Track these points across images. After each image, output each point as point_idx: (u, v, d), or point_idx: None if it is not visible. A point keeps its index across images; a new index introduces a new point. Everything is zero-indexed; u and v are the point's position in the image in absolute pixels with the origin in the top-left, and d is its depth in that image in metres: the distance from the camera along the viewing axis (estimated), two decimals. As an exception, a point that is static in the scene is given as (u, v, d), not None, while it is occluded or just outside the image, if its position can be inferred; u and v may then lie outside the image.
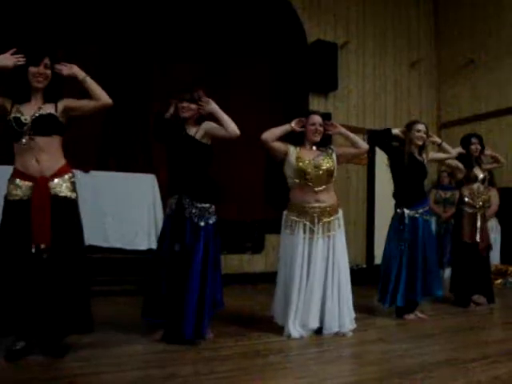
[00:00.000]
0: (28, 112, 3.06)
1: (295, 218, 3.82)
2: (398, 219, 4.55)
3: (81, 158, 5.91)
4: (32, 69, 3.06)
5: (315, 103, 7.87)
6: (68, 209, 3.13)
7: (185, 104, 3.58)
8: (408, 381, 2.78)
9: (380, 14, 8.73)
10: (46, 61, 3.10)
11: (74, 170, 3.31)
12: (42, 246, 2.97)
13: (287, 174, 3.92)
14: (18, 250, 2.97)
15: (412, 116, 8.57)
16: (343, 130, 4.05)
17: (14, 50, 3.04)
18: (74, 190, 3.17)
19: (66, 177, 3.15)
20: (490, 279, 5.50)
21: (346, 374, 2.99)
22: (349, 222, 7.78)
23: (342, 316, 3.80)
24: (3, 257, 2.98)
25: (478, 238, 5.25)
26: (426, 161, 4.66)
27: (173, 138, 3.62)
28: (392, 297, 4.47)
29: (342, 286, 3.84)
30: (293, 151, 3.88)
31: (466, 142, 5.39)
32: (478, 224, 5.28)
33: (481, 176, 5.36)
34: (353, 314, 3.91)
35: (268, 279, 3.99)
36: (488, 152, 5.52)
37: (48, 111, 3.10)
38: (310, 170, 3.80)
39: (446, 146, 4.88)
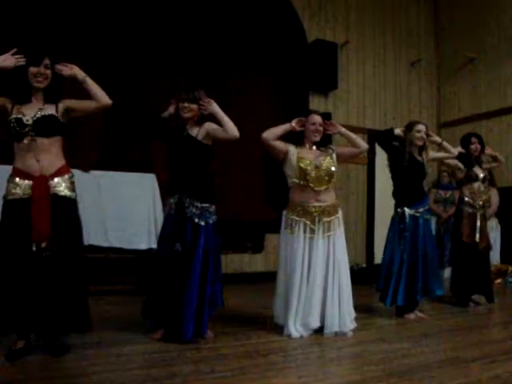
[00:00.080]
0: (29, 113, 3.06)
1: (295, 217, 3.82)
2: (398, 218, 4.55)
3: (81, 157, 5.92)
4: (32, 69, 3.06)
5: (315, 102, 7.88)
6: (67, 208, 3.13)
7: (186, 104, 3.58)
8: (408, 380, 2.78)
9: (380, 14, 8.72)
10: (46, 61, 3.10)
11: (74, 170, 3.32)
12: (43, 244, 2.98)
13: (287, 173, 3.92)
14: (18, 248, 2.97)
15: (412, 115, 8.59)
16: (343, 129, 4.05)
17: (15, 50, 3.04)
18: (73, 189, 3.18)
19: (66, 176, 3.15)
20: (489, 279, 5.50)
21: (346, 374, 2.99)
22: (349, 222, 7.79)
23: (343, 315, 3.80)
24: (3, 255, 2.98)
25: (477, 239, 5.25)
26: (425, 161, 4.67)
27: (173, 138, 3.62)
28: (393, 296, 4.47)
29: (343, 285, 3.84)
30: (293, 151, 3.88)
31: (465, 141, 5.39)
32: (478, 224, 5.28)
33: (481, 175, 5.36)
34: (353, 314, 3.91)
35: (268, 279, 3.99)
36: (488, 151, 5.52)
37: (49, 112, 3.10)
38: (311, 170, 3.80)
39: (446, 145, 4.88)
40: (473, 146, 5.32)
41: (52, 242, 3.01)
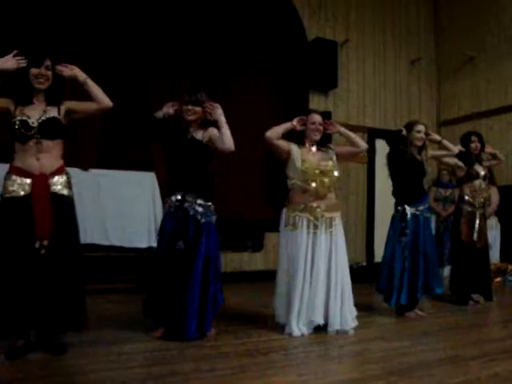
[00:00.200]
0: (33, 115, 3.08)
1: (298, 213, 3.81)
2: (399, 217, 4.55)
3: (81, 156, 5.94)
4: (33, 70, 3.07)
5: (315, 101, 7.88)
6: (66, 206, 3.15)
7: (190, 107, 3.60)
8: (408, 378, 2.79)
9: (380, 12, 8.72)
10: (47, 62, 3.12)
11: (74, 168, 3.33)
12: (45, 242, 2.98)
13: (289, 175, 3.91)
14: (17, 246, 2.97)
15: (412, 114, 8.59)
16: (342, 129, 4.07)
17: (16, 51, 3.05)
18: (71, 188, 3.20)
19: (64, 175, 3.17)
20: (488, 277, 5.50)
21: (346, 372, 3.00)
22: (349, 221, 7.81)
23: (345, 313, 3.81)
24: (3, 253, 2.98)
25: (475, 238, 5.25)
26: (425, 160, 4.67)
27: (176, 141, 3.63)
28: (397, 296, 4.47)
29: (344, 283, 3.85)
30: (296, 151, 3.88)
31: (465, 140, 5.39)
32: (477, 223, 5.28)
33: (482, 173, 5.36)
34: (354, 312, 3.91)
35: (268, 277, 3.99)
36: (487, 149, 5.53)
37: (52, 115, 3.12)
38: (315, 175, 3.81)
39: (446, 142, 4.88)
40: (473, 145, 5.32)
41: (51, 240, 3.02)
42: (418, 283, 4.50)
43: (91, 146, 6.56)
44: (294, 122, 3.91)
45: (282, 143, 3.89)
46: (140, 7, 6.84)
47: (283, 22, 7.79)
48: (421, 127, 4.62)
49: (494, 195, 6.26)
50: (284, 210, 3.91)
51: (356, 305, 3.96)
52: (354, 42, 8.40)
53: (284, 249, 3.87)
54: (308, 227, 3.80)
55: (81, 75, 3.22)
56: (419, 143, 4.61)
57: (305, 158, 3.86)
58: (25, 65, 3.04)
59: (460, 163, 5.29)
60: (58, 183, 3.11)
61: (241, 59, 7.50)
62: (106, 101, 3.27)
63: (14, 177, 3.06)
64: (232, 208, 6.72)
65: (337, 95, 8.16)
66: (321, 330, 3.77)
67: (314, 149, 3.95)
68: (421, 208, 4.60)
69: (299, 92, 7.85)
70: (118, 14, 6.72)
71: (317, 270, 3.75)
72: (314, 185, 3.81)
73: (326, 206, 3.85)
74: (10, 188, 3.05)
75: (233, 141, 3.57)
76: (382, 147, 6.85)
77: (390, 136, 4.86)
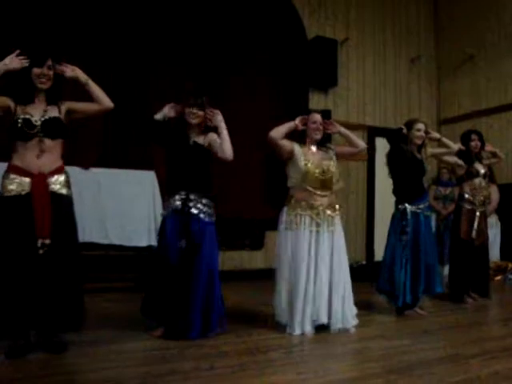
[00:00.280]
0: (35, 113, 3.09)
1: (300, 211, 3.81)
2: (399, 215, 4.55)
3: (81, 155, 5.93)
4: (36, 70, 3.09)
5: (315, 100, 7.87)
6: (64, 205, 3.16)
7: (194, 110, 3.62)
8: (408, 377, 2.79)
9: (380, 11, 8.71)
10: (49, 62, 3.13)
11: (74, 167, 3.33)
12: (47, 241, 2.98)
13: (291, 174, 3.90)
14: (17, 245, 2.97)
15: (412, 112, 8.59)
16: (342, 129, 4.07)
17: (18, 51, 3.06)
18: (70, 187, 3.21)
19: (63, 175, 3.18)
20: (487, 275, 5.48)
21: (346, 370, 3.00)
22: (349, 219, 7.81)
23: (346, 312, 3.81)
24: (6, 254, 2.98)
25: (473, 235, 5.25)
26: (424, 158, 4.67)
27: (177, 145, 3.65)
28: (403, 296, 4.45)
29: (345, 281, 3.86)
30: (298, 150, 3.88)
31: (465, 138, 5.39)
32: (476, 221, 5.27)
33: (482, 171, 5.36)
34: (354, 310, 3.91)
35: (268, 276, 3.98)
36: (487, 148, 5.52)
37: (54, 114, 3.14)
38: (317, 176, 3.81)
39: (445, 140, 4.88)
40: (473, 143, 5.32)
41: (51, 239, 3.02)
42: (420, 282, 4.50)
43: (92, 145, 6.55)
44: (297, 121, 3.91)
45: (285, 143, 3.89)
46: (140, 7, 6.83)
47: (283, 20, 7.77)
48: (420, 125, 4.62)
49: (494, 193, 6.26)
50: (285, 209, 3.90)
51: (356, 303, 3.95)
52: (354, 40, 8.39)
53: (284, 248, 3.83)
54: (310, 225, 3.79)
55: (82, 76, 3.25)
56: (419, 141, 4.61)
57: (307, 157, 3.86)
58: (27, 64, 3.05)
59: (460, 161, 5.29)
60: (56, 182, 3.12)
61: (241, 58, 7.48)
62: (106, 102, 3.30)
63: (12, 175, 3.06)
64: (232, 207, 6.71)
65: (337, 94, 8.15)
66: (321, 328, 3.76)
67: (314, 148, 3.96)
68: (421, 206, 4.60)
69: (299, 90, 7.84)
70: (118, 14, 6.71)
71: (320, 269, 3.75)
72: (316, 184, 3.81)
73: (327, 204, 3.86)
74: (10, 187, 3.05)
75: (232, 149, 3.62)
76: (382, 145, 6.85)
77: (391, 134, 4.85)
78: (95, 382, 2.64)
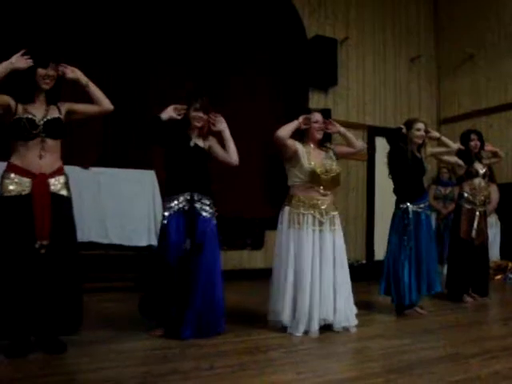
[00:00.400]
0: (37, 114, 3.10)
1: (302, 210, 3.80)
2: (401, 214, 4.54)
3: (81, 154, 5.93)
4: (41, 71, 3.09)
5: (315, 99, 7.87)
6: (64, 206, 3.16)
7: (200, 114, 3.65)
8: (408, 376, 2.79)
9: (380, 10, 8.71)
10: (53, 63, 3.14)
11: (74, 167, 3.33)
12: (45, 242, 2.98)
13: (294, 173, 3.88)
14: (17, 246, 2.96)
15: (412, 112, 8.58)
16: (342, 129, 4.07)
17: (23, 51, 3.06)
18: (69, 189, 3.22)
19: (63, 176, 3.19)
20: (486, 274, 5.48)
21: (346, 370, 3.00)
22: (349, 218, 7.81)
23: (348, 311, 3.82)
24: (5, 254, 2.97)
25: (473, 235, 5.25)
26: (424, 157, 4.67)
27: (178, 147, 3.66)
28: (409, 295, 4.45)
29: (347, 281, 3.86)
30: (302, 150, 3.88)
31: (465, 138, 5.38)
32: (476, 221, 5.27)
33: (482, 171, 5.35)
34: (354, 310, 3.91)
35: (268, 275, 3.98)
36: (488, 148, 5.51)
37: (55, 115, 3.15)
38: (322, 175, 3.82)
39: (444, 139, 4.87)
40: (472, 143, 5.31)
41: (51, 239, 3.02)
42: (422, 281, 4.50)
43: (92, 145, 6.55)
44: (300, 119, 3.91)
45: (290, 142, 3.88)
46: (140, 8, 6.82)
47: (283, 19, 7.77)
48: (420, 125, 4.61)
49: (494, 193, 6.27)
50: (286, 209, 3.88)
51: (356, 303, 3.95)
52: (354, 39, 8.39)
53: (286, 247, 3.80)
54: (313, 224, 3.79)
55: (82, 77, 3.26)
56: (419, 141, 4.61)
57: (310, 156, 3.87)
58: (32, 64, 3.05)
59: (460, 161, 5.28)
60: (57, 183, 3.13)
61: (241, 58, 7.48)
62: (106, 104, 3.32)
63: (12, 175, 3.05)
64: (232, 206, 6.71)
65: (337, 93, 8.15)
66: (322, 328, 3.75)
67: (315, 148, 3.96)
68: (422, 206, 4.60)
69: (299, 90, 7.84)
70: (118, 15, 6.71)
71: (325, 268, 3.74)
72: (319, 182, 3.81)
73: (329, 204, 3.87)
74: (10, 187, 3.04)
75: (237, 153, 3.73)
76: (381, 145, 6.85)
77: (390, 134, 4.85)
78: (95, 381, 2.63)
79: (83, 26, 6.46)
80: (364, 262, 7.75)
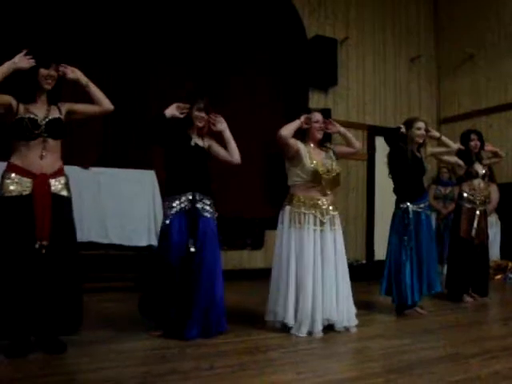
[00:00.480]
0: (39, 114, 3.10)
1: (304, 210, 3.80)
2: (401, 214, 4.53)
3: (81, 154, 5.93)
4: (43, 71, 3.10)
5: (315, 99, 7.87)
6: (65, 207, 3.17)
7: (203, 114, 3.67)
8: (408, 376, 2.78)
9: (380, 10, 8.70)
10: (54, 63, 3.15)
11: (74, 167, 3.33)
12: (45, 242, 2.98)
13: (296, 172, 3.87)
14: (18, 247, 2.96)
15: (412, 112, 8.58)
16: (342, 129, 4.08)
17: (26, 50, 3.07)
18: (69, 189, 3.23)
19: (64, 176, 3.20)
20: (486, 274, 5.48)
21: (345, 370, 2.99)
22: (349, 218, 7.81)
23: (349, 310, 3.82)
24: (6, 255, 2.97)
25: (473, 234, 5.25)
26: (424, 157, 4.67)
27: (179, 146, 3.66)
28: (412, 294, 4.45)
29: (347, 280, 3.87)
30: (304, 149, 3.88)
31: (465, 138, 5.38)
32: (476, 220, 5.27)
33: (481, 172, 5.35)
34: (354, 310, 3.91)
35: (268, 275, 3.98)
36: (488, 148, 5.51)
37: (56, 115, 3.16)
38: (324, 174, 3.82)
39: (445, 139, 4.87)
40: (472, 143, 5.31)
41: (51, 240, 3.02)
42: (423, 281, 4.50)
43: (92, 145, 6.55)
44: (302, 119, 3.90)
45: (292, 141, 3.88)
46: (140, 8, 6.82)
47: (283, 19, 7.77)
48: (421, 124, 4.61)
49: (494, 193, 6.26)
50: (287, 208, 3.87)
51: (356, 303, 3.95)
52: (354, 39, 8.38)
53: (287, 247, 3.79)
54: (314, 224, 3.79)
55: (83, 78, 3.27)
56: (420, 140, 4.61)
57: (311, 156, 3.87)
58: (35, 64, 3.06)
59: (460, 162, 5.28)
60: (58, 184, 3.13)
61: (241, 57, 7.48)
62: (106, 104, 3.34)
63: (13, 175, 3.05)
64: (232, 206, 6.71)
65: (336, 93, 8.15)
66: (330, 327, 3.76)
67: (316, 147, 3.97)
68: (422, 205, 4.60)
69: (299, 90, 7.84)
70: (117, 14, 6.71)
71: (327, 268, 3.74)
72: (321, 182, 3.81)
73: (329, 204, 3.87)
74: (10, 187, 3.04)
75: (238, 152, 3.76)
76: (381, 145, 6.80)
77: (388, 133, 4.84)
78: (95, 381, 2.63)
79: (83, 26, 6.46)
80: (364, 261, 7.74)
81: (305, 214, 3.79)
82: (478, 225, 5.26)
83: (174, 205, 3.58)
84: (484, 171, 5.38)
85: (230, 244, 6.78)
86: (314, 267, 3.71)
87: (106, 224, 5.79)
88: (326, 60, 7.77)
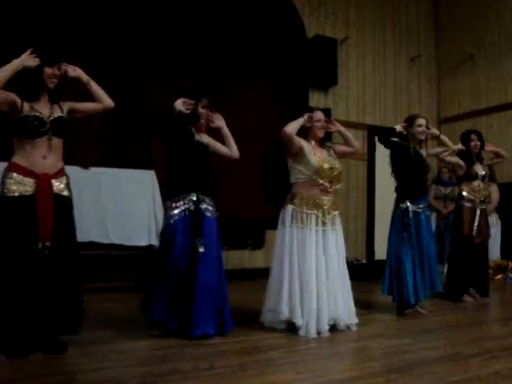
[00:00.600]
0: (43, 112, 3.10)
1: (306, 210, 3.80)
2: (400, 214, 4.53)
3: (81, 154, 5.93)
4: (48, 70, 3.11)
5: (315, 99, 7.87)
6: (66, 207, 3.17)
7: (206, 111, 3.70)
8: (408, 376, 2.78)
9: (380, 10, 8.71)
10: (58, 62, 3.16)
11: (74, 167, 3.33)
12: (47, 243, 2.98)
13: (299, 169, 3.86)
14: (20, 247, 2.96)
15: (412, 111, 8.51)
16: (342, 128, 4.10)
17: (31, 49, 3.07)
18: (70, 189, 3.23)
19: (65, 177, 3.20)
20: (486, 274, 5.48)
21: (346, 369, 2.99)
22: (349, 217, 7.80)
23: (350, 309, 3.83)
24: (5, 255, 2.97)
25: (474, 233, 5.24)
26: (425, 155, 4.67)
27: (183, 142, 3.65)
28: (415, 294, 4.44)
29: (347, 279, 3.87)
30: (308, 147, 3.88)
31: (465, 138, 5.37)
32: (477, 219, 5.27)
33: (481, 173, 5.34)
34: (354, 309, 3.91)
35: (268, 275, 3.97)
36: (489, 148, 5.50)
37: (60, 114, 3.17)
38: (328, 171, 3.82)
39: (444, 138, 4.86)
40: (472, 143, 5.30)
41: (52, 240, 3.02)
42: (425, 280, 4.50)
43: (92, 144, 6.56)
44: (305, 117, 3.90)
45: (296, 138, 3.87)
46: (141, 7, 6.83)
47: (283, 19, 7.77)
48: (422, 121, 4.62)
49: (495, 192, 6.26)
50: (289, 207, 3.86)
51: (356, 302, 3.95)
52: (354, 39, 8.38)
53: (289, 246, 3.77)
54: (317, 224, 3.79)
55: (84, 76, 3.28)
56: (422, 137, 4.62)
57: (315, 153, 3.87)
58: (40, 63, 3.07)
59: (461, 162, 5.28)
60: (60, 184, 3.14)
61: (241, 56, 7.48)
62: (108, 101, 3.35)
63: (15, 175, 3.05)
64: (232, 206, 6.71)
65: (337, 93, 8.15)
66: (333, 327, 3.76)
67: (317, 146, 3.97)
68: (421, 206, 4.59)
69: (299, 90, 7.84)
70: (118, 13, 6.71)
71: (330, 268, 3.74)
72: (326, 179, 3.82)
73: (331, 203, 3.87)
74: (13, 187, 3.03)
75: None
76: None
77: (382, 133, 4.82)
78: (95, 381, 2.63)
79: (84, 25, 6.46)
80: (364, 261, 7.74)
81: (307, 213, 3.79)
82: (478, 224, 5.26)
83: (178, 205, 3.57)
84: (484, 172, 5.37)
85: (231, 244, 6.78)
86: (317, 267, 3.70)
87: (106, 224, 5.79)
88: (326, 60, 7.78)
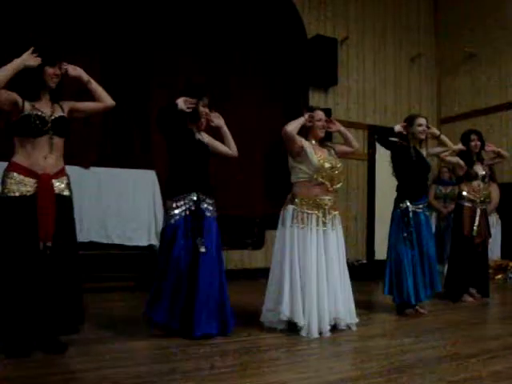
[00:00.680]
0: (45, 111, 3.11)
1: (306, 210, 3.80)
2: (400, 213, 4.53)
3: (81, 154, 5.93)
4: (49, 69, 3.11)
5: (315, 98, 7.86)
6: (67, 207, 3.17)
7: (207, 110, 3.72)
8: (409, 376, 2.78)
9: (380, 9, 8.70)
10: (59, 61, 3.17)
11: (74, 167, 3.33)
12: (48, 243, 2.98)
13: (301, 168, 3.86)
14: (21, 248, 2.96)
15: (412, 111, 8.55)
16: (342, 128, 4.11)
17: (33, 48, 3.07)
18: (70, 189, 3.23)
19: (66, 176, 3.20)
20: (486, 274, 5.48)
21: (346, 369, 2.99)
22: (349, 217, 7.80)
23: (350, 308, 3.83)
24: (7, 256, 2.96)
25: (474, 232, 5.24)
26: (425, 155, 4.67)
27: (185, 140, 3.65)
28: (416, 294, 4.44)
29: (347, 279, 3.87)
30: (309, 146, 3.88)
31: (465, 138, 5.37)
32: (477, 219, 5.26)
33: (481, 173, 5.33)
34: (354, 308, 3.91)
35: (268, 275, 3.97)
36: (490, 148, 5.48)
37: (60, 113, 3.17)
38: (329, 169, 3.82)
39: (444, 138, 4.86)
40: (472, 143, 5.30)
41: (54, 240, 3.02)
42: (426, 280, 4.50)
43: (92, 144, 6.55)
44: (306, 116, 3.90)
45: (298, 137, 3.87)
46: (141, 6, 6.82)
47: (283, 19, 7.77)
48: (422, 120, 4.62)
49: (495, 192, 6.25)
50: (290, 207, 3.85)
51: (356, 302, 3.95)
52: (354, 39, 8.38)
53: (290, 246, 3.77)
54: (317, 224, 3.78)
55: (84, 75, 3.29)
56: (422, 136, 4.62)
57: (316, 152, 3.87)
58: (41, 62, 3.07)
59: (461, 162, 5.28)
60: (60, 184, 3.14)
61: (241, 56, 7.49)
62: (108, 100, 3.36)
63: (15, 175, 3.04)
64: (232, 206, 6.71)
65: (337, 92, 8.15)
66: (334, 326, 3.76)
67: (317, 145, 3.97)
68: (421, 206, 4.59)
69: (299, 89, 7.83)
70: (118, 12, 6.71)
71: (331, 268, 3.74)
72: (327, 179, 3.82)
73: (331, 203, 3.87)
74: (14, 187, 3.03)
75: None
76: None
77: (381, 133, 4.82)
78: (95, 381, 2.63)
79: (84, 24, 6.45)
80: (364, 261, 7.74)
81: (308, 213, 3.79)
82: (478, 223, 5.25)
83: (179, 205, 3.57)
84: (484, 172, 5.37)
85: (231, 244, 6.78)
86: (317, 267, 3.70)
87: (107, 224, 5.79)
88: (326, 59, 7.77)
